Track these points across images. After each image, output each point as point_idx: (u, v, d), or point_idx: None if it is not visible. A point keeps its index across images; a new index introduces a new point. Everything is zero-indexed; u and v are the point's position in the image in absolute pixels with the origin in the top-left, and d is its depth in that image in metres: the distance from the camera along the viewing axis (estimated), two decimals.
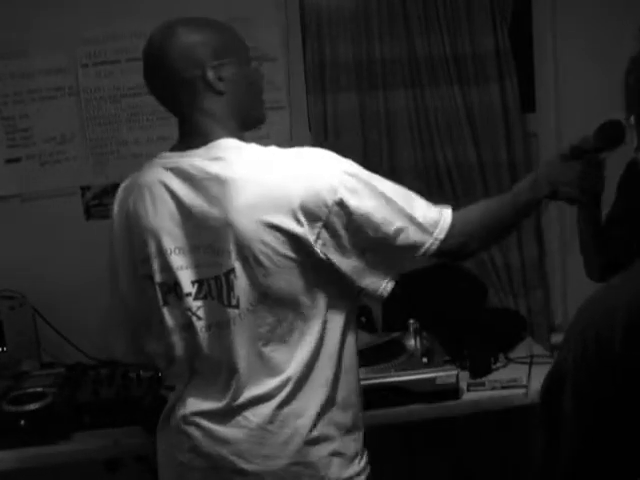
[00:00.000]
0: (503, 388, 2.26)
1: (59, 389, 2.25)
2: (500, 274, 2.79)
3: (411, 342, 2.29)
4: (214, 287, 1.54)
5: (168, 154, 1.61)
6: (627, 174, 1.99)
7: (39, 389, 2.24)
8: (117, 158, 2.69)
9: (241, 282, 1.51)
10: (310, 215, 1.47)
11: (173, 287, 1.58)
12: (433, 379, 2.14)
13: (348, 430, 1.62)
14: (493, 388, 2.26)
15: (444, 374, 2.15)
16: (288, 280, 1.51)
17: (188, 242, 1.55)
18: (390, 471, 2.03)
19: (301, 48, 2.71)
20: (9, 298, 2.57)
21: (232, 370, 1.56)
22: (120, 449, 2.12)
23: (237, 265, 1.50)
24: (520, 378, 2.28)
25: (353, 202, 1.48)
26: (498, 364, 2.38)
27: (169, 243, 1.56)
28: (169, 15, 2.56)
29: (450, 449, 2.43)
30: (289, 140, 2.71)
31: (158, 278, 1.59)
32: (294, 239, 1.48)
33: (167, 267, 1.57)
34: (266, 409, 1.55)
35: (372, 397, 1.95)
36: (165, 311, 1.61)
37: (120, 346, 1.83)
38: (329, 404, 1.59)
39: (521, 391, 2.23)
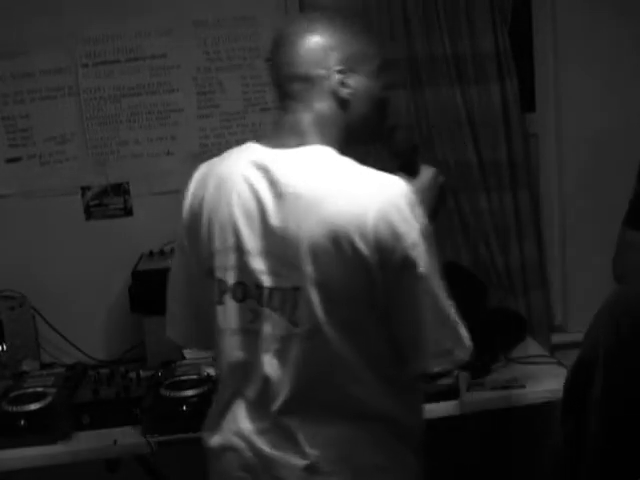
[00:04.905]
0: (503, 388, 2.26)
1: (59, 389, 2.25)
2: (500, 274, 2.79)
3: None
4: None
5: (258, 148, 1.51)
6: None
7: (39, 389, 2.24)
8: (117, 158, 2.69)
9: None
10: None
11: (251, 288, 1.47)
12: None
13: None
14: (493, 388, 2.26)
15: None
16: None
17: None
18: None
19: None
20: (9, 298, 2.57)
21: None
22: (120, 449, 2.12)
23: None
24: (520, 378, 2.28)
25: None
26: (498, 364, 2.38)
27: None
28: (169, 15, 2.60)
29: (450, 449, 2.42)
30: None
31: (231, 277, 1.49)
32: None
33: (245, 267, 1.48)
34: None
35: None
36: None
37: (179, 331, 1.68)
38: None
39: (521, 391, 2.24)
